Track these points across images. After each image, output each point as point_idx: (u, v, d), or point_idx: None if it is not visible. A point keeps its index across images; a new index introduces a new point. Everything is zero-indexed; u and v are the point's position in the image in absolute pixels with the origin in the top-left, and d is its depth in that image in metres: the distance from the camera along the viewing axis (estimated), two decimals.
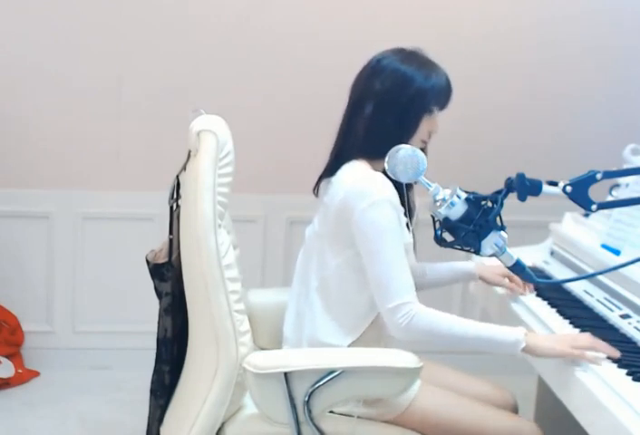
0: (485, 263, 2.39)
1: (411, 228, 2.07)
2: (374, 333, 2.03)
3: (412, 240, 2.06)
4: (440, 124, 2.06)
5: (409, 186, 2.07)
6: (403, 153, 1.80)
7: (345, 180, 1.97)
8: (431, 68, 2.01)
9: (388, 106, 1.98)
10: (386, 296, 1.89)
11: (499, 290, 2.35)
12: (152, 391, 2.16)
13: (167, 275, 2.09)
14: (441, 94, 2.01)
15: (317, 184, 2.11)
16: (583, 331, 1.99)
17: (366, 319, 2.01)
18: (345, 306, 2.01)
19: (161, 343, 2.12)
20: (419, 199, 2.14)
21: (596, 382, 1.72)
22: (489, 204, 1.83)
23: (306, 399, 1.89)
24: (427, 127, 2.02)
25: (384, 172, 1.95)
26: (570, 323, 2.07)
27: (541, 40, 3.53)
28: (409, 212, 2.08)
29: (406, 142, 1.94)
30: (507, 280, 2.30)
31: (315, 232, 2.07)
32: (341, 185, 1.97)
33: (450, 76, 2.05)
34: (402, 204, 1.99)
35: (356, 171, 1.99)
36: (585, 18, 3.54)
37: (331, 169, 2.05)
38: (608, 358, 1.81)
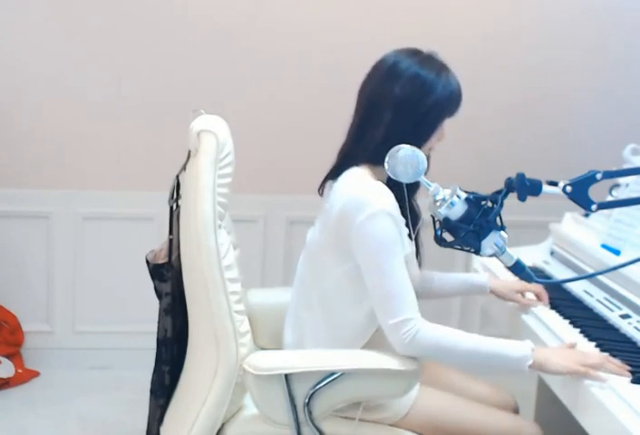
0: (500, 276, 2.37)
1: (413, 237, 2.04)
2: (374, 348, 1.99)
3: (413, 250, 2.03)
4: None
5: (411, 192, 2.05)
6: (403, 153, 1.79)
7: (344, 190, 1.93)
8: (448, 75, 1.96)
9: (407, 113, 1.92)
10: (388, 312, 1.84)
11: (510, 303, 2.26)
12: (152, 391, 2.15)
13: (167, 276, 2.08)
14: (455, 102, 1.97)
15: (323, 184, 2.07)
16: (583, 331, 1.99)
17: (364, 333, 1.98)
18: (344, 320, 1.98)
19: (161, 343, 2.12)
20: (417, 200, 2.12)
21: (595, 382, 1.72)
22: (489, 204, 1.82)
23: (307, 400, 1.89)
24: (438, 135, 1.99)
25: (388, 180, 1.93)
26: (570, 323, 2.08)
27: (541, 40, 3.53)
28: (413, 220, 2.03)
29: None
30: (520, 296, 2.24)
31: (316, 239, 2.03)
32: (339, 194, 1.93)
33: None
34: (404, 212, 1.95)
35: (356, 181, 1.94)
36: (585, 18, 3.54)
37: (337, 172, 2.00)
38: (632, 380, 1.75)
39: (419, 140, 1.93)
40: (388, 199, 1.88)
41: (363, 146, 1.96)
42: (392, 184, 1.92)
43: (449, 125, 2.02)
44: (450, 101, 1.96)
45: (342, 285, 1.96)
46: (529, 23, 3.52)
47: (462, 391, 2.12)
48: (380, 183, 1.92)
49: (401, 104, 1.92)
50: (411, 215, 2.04)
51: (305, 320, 2.05)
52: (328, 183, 2.05)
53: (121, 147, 3.49)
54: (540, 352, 1.84)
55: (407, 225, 1.99)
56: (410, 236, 2.01)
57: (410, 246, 1.98)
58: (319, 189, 2.08)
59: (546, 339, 2.01)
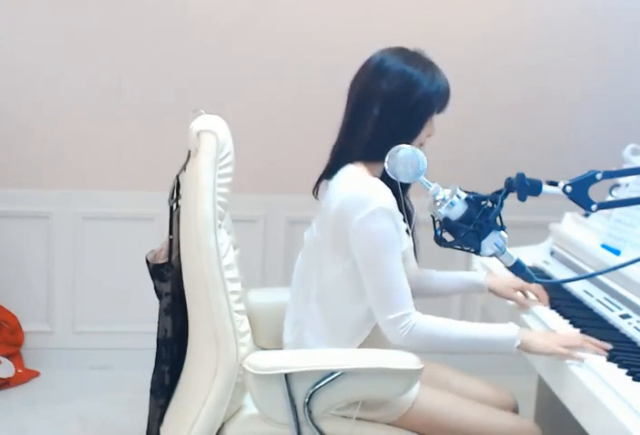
0: (498, 274, 2.37)
1: (410, 232, 2.05)
2: (374, 345, 2.00)
3: (411, 244, 2.04)
4: (437, 125, 2.05)
5: (405, 189, 2.06)
6: (403, 153, 1.80)
7: (342, 188, 1.95)
8: (435, 71, 1.99)
9: (395, 108, 1.95)
10: (387, 307, 1.88)
11: (510, 302, 2.25)
12: (152, 391, 2.16)
13: (167, 276, 2.08)
14: (443, 98, 1.99)
15: (317, 185, 2.09)
16: (583, 331, 1.99)
17: (363, 330, 1.99)
18: (343, 316, 1.99)
19: (161, 343, 2.12)
20: (417, 200, 2.12)
21: (595, 382, 1.72)
22: (489, 204, 1.82)
23: (307, 400, 1.89)
24: (427, 130, 2.00)
25: (382, 176, 1.95)
26: (570, 323, 2.07)
27: (541, 40, 3.53)
28: (407, 216, 2.05)
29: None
30: (519, 294, 2.24)
31: (314, 238, 2.05)
32: (338, 192, 1.95)
33: (449, 76, 2.04)
34: (400, 208, 1.97)
35: (353, 178, 1.96)
36: (585, 18, 3.54)
37: (330, 171, 2.02)
38: (608, 358, 1.82)
39: (408, 135, 1.96)
40: (386, 196, 1.90)
41: (355, 143, 1.99)
42: (387, 180, 1.92)
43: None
44: (437, 97, 1.98)
45: (340, 282, 1.98)
46: (529, 23, 3.52)
47: (462, 391, 2.12)
48: (377, 179, 1.94)
49: (388, 99, 1.95)
50: (406, 211, 2.05)
51: (304, 318, 2.06)
52: (323, 183, 2.06)
53: (121, 147, 3.49)
54: (525, 333, 1.93)
55: (404, 220, 2.00)
56: (407, 231, 2.02)
57: (407, 242, 2.00)
58: (314, 190, 2.10)
59: None
